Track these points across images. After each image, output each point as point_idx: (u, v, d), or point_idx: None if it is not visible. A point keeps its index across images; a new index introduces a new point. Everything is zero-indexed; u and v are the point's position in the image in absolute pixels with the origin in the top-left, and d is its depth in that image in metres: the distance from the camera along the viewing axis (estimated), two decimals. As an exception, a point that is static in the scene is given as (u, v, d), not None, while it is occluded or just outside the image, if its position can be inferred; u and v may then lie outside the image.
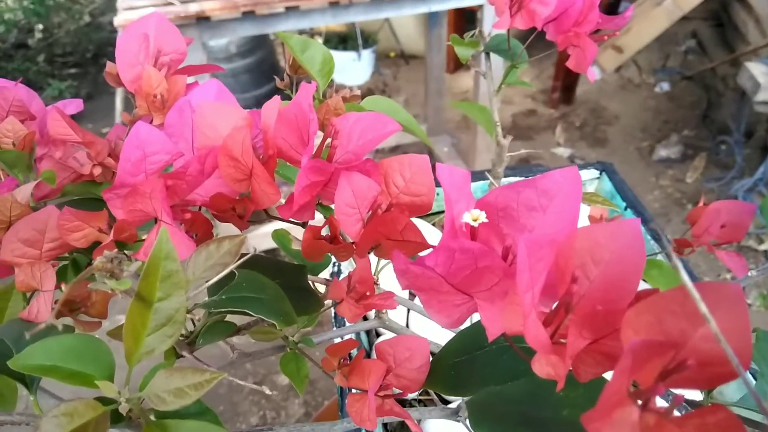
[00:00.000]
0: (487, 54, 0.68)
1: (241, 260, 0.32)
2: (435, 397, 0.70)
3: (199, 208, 0.41)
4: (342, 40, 2.67)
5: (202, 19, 1.82)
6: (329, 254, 0.40)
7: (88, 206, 0.47)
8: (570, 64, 0.61)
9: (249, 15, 1.80)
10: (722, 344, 0.20)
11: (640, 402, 0.24)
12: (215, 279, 0.32)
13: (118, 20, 1.82)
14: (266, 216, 0.41)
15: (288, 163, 0.42)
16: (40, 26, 3.06)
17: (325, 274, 0.52)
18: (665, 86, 2.90)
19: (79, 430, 0.28)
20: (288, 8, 1.90)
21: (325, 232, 0.38)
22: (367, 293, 0.46)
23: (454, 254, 0.29)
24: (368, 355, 0.72)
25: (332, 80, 0.54)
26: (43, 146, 0.48)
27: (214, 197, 0.37)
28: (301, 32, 3.23)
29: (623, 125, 2.78)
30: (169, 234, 0.36)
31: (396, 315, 0.75)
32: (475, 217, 0.31)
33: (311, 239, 0.36)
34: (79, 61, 3.25)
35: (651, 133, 2.73)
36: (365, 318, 0.74)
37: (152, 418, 0.31)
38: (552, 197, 0.31)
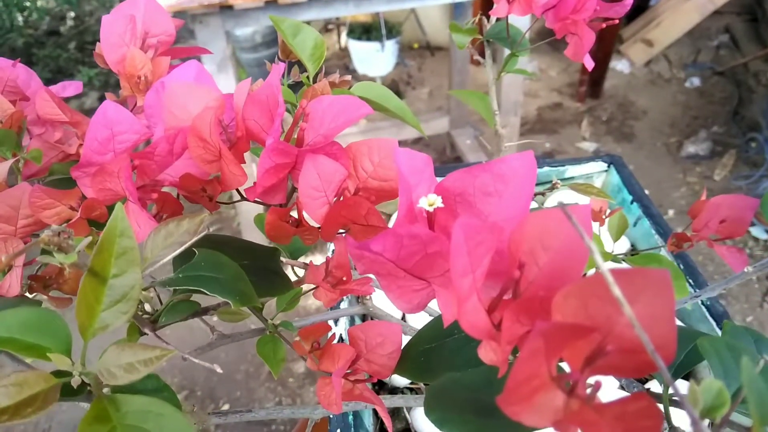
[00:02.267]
0: (488, 42, 0.67)
1: (195, 239, 0.32)
2: (423, 385, 0.70)
3: (178, 196, 0.41)
4: (366, 31, 2.66)
5: (225, 8, 1.83)
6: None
7: (73, 185, 0.47)
8: (568, 52, 0.60)
9: (272, 4, 1.80)
10: (636, 330, 0.19)
11: (569, 386, 0.24)
12: (170, 257, 0.32)
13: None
14: (241, 198, 0.41)
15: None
16: (72, 14, 3.11)
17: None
18: (696, 81, 2.84)
19: (27, 400, 0.28)
20: (311, -2, 1.90)
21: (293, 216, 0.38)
22: (344, 278, 0.46)
23: (403, 240, 0.28)
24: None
25: (322, 66, 0.54)
26: (40, 126, 0.49)
27: (183, 178, 0.37)
28: (327, 22, 3.24)
29: (651, 120, 2.73)
30: (131, 212, 0.36)
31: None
32: (431, 202, 0.30)
33: (275, 221, 0.36)
34: (78, 49, 3.29)
35: (679, 128, 2.68)
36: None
37: (106, 392, 0.32)
38: (507, 182, 0.30)
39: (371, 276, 0.48)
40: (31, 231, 0.39)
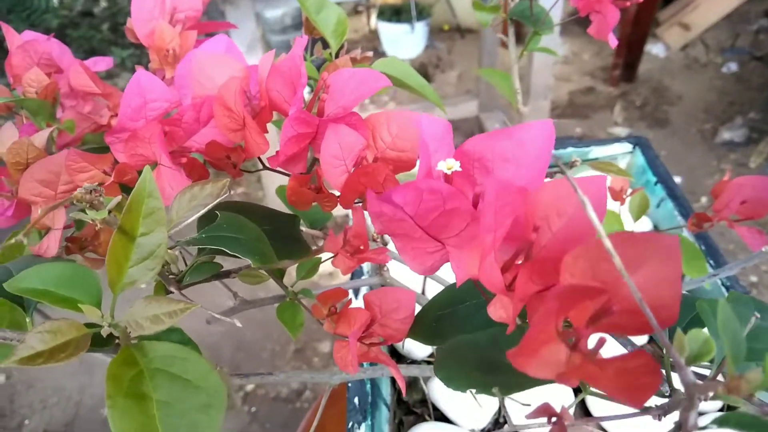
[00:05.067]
0: (511, 20, 0.68)
1: (218, 200, 0.34)
2: (404, 354, 0.72)
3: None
4: (396, 12, 2.66)
5: (255, -11, 1.85)
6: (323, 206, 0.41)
7: (106, 153, 0.50)
8: (591, 30, 0.60)
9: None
10: (632, 290, 0.20)
11: (571, 341, 0.25)
12: (194, 218, 0.34)
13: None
14: (263, 167, 0.43)
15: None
16: (107, -5, 3.15)
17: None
18: (733, 66, 2.78)
19: (61, 346, 0.31)
20: (340, -21, 1.91)
21: (314, 183, 0.39)
22: (361, 247, 0.48)
23: (423, 194, 0.29)
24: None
25: (344, 43, 0.55)
26: (72, 99, 0.51)
27: (208, 145, 0.39)
28: (356, 4, 3.24)
29: (686, 106, 2.68)
30: (163, 175, 0.38)
31: (413, 279, 0.76)
32: (449, 165, 0.32)
33: (296, 187, 0.37)
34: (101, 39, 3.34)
35: (715, 114, 2.63)
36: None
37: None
38: (526, 150, 0.31)
39: (387, 243, 0.49)
40: (69, 195, 0.41)
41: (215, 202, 0.34)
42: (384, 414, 0.63)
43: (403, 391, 0.42)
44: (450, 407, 0.65)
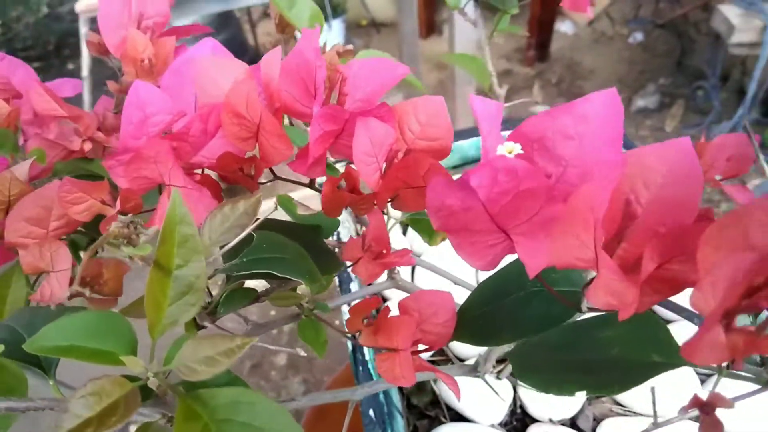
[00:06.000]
0: (476, 1, 0.66)
1: (258, 222, 0.30)
2: (451, 355, 0.69)
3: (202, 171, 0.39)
4: (311, 12, 2.61)
5: (166, -1, 1.77)
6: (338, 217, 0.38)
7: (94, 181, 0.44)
8: (565, 3, 0.59)
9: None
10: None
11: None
12: (235, 241, 0.30)
13: (80, 6, 1.77)
14: (273, 176, 0.39)
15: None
16: (-1, 21, 2.97)
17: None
18: (639, 36, 2.89)
19: (109, 409, 0.26)
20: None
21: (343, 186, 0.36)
22: (383, 251, 0.45)
23: (498, 174, 0.27)
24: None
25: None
26: (34, 126, 0.46)
27: (221, 157, 0.35)
28: (265, 7, 3.17)
29: (599, 79, 2.77)
30: (186, 195, 0.34)
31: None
32: (509, 149, 0.30)
33: (331, 192, 0.34)
34: (41, 54, 3.16)
35: (627, 84, 2.72)
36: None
37: (180, 390, 0.30)
38: (589, 124, 0.29)
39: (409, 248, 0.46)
40: (63, 233, 0.36)
41: (257, 223, 0.30)
42: (400, 422, 0.60)
43: (458, 397, 0.39)
44: (465, 405, 0.62)
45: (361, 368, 0.63)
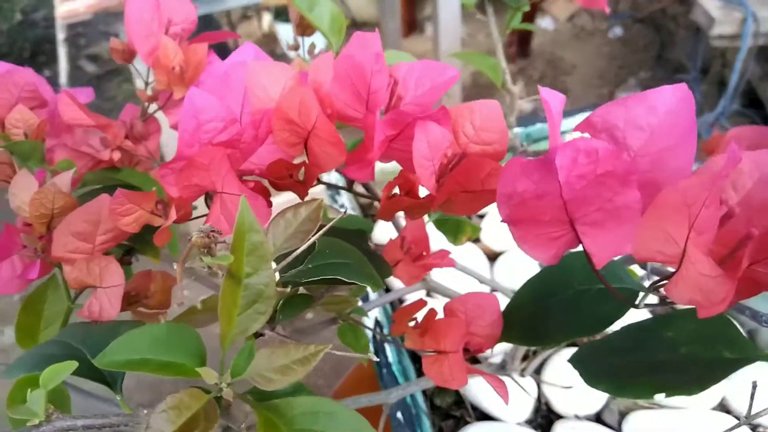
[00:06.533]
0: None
1: (326, 228, 0.30)
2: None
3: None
4: (293, 13, 2.60)
5: (150, 2, 1.75)
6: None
7: (111, 192, 0.44)
8: (579, 0, 0.60)
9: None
10: None
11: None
12: (304, 247, 0.29)
13: (60, 12, 1.74)
14: (318, 181, 0.39)
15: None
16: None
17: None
18: (618, 31, 2.92)
19: (189, 422, 0.26)
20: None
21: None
22: (423, 253, 0.44)
23: (578, 156, 0.27)
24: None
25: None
26: (54, 136, 0.45)
27: (273, 164, 0.35)
28: (245, 9, 3.15)
29: (581, 74, 2.79)
30: (231, 202, 0.33)
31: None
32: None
33: (389, 197, 0.34)
34: (16, 61, 3.09)
35: (608, 79, 2.75)
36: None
37: (250, 399, 0.29)
38: (661, 116, 0.29)
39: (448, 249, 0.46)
40: (109, 247, 0.35)
41: (325, 229, 0.30)
42: (426, 424, 0.60)
43: (506, 402, 0.39)
44: (490, 404, 0.62)
45: (385, 371, 0.63)
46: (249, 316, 0.29)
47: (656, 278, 0.33)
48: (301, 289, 0.37)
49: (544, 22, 3.05)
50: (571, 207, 0.28)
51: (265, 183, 0.37)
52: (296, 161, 0.36)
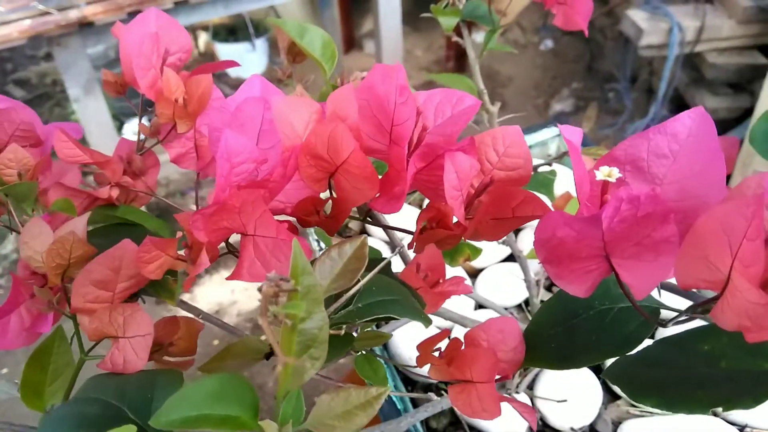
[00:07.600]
0: (464, 21, 0.67)
1: (379, 267, 0.29)
2: None
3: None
4: (231, 32, 2.57)
5: (84, 26, 1.70)
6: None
7: (112, 232, 0.42)
8: (557, 21, 0.61)
9: (135, 15, 1.70)
10: None
11: None
12: (357, 288, 0.29)
13: (-6, 35, 1.67)
14: (353, 217, 0.38)
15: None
16: None
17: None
18: (549, 44, 3.01)
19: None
20: (177, 3, 1.81)
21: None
22: (440, 280, 0.44)
23: (621, 205, 0.28)
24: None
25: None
26: (46, 174, 0.43)
27: (302, 201, 0.34)
28: (186, 28, 3.09)
29: (517, 86, 2.86)
30: (265, 245, 0.32)
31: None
32: (607, 173, 0.31)
33: (421, 230, 0.33)
34: None
35: (543, 90, 2.83)
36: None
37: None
38: (680, 142, 0.30)
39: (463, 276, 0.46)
40: (127, 294, 0.34)
41: (378, 268, 0.29)
42: (426, 447, 0.60)
43: (533, 427, 0.39)
44: (486, 422, 0.63)
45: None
46: (304, 363, 0.28)
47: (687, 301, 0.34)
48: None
49: (478, 37, 3.11)
50: (610, 245, 0.29)
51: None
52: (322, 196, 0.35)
